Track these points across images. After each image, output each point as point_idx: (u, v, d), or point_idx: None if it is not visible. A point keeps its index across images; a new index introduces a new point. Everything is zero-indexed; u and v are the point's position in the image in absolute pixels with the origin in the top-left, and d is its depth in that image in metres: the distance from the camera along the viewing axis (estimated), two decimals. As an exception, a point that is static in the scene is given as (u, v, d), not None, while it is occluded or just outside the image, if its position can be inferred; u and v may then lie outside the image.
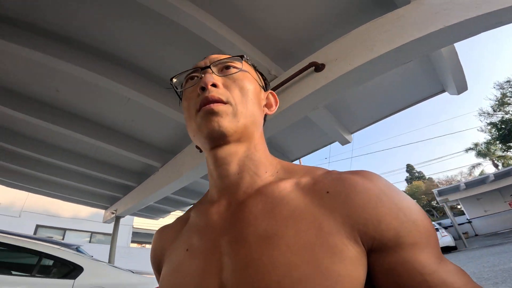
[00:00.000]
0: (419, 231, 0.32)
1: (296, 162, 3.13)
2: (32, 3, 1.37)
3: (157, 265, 0.51)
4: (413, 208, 0.34)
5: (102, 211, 4.63)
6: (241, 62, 0.48)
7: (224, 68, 0.48)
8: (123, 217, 4.16)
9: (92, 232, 11.20)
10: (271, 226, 0.35)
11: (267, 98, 0.54)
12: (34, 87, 1.96)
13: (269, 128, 1.66)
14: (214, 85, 0.44)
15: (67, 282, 2.40)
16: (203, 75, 0.45)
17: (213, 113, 0.42)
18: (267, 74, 1.62)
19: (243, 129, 0.44)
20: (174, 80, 0.50)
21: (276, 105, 0.55)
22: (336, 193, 0.36)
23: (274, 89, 1.50)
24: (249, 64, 0.53)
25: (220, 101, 0.43)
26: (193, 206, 0.52)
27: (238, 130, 0.43)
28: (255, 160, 0.45)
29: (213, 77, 0.44)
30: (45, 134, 2.60)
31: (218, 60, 0.48)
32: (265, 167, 0.46)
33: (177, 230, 0.50)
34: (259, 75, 0.54)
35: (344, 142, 2.38)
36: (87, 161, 3.07)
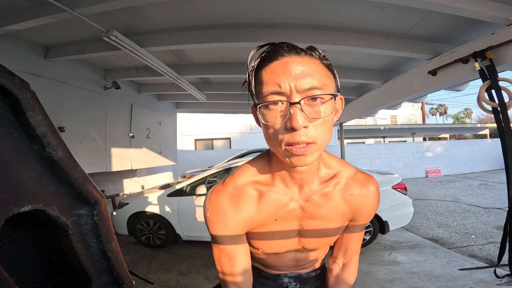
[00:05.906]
0: (368, 219, 0.67)
1: None
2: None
3: (239, 225, 0.58)
4: (375, 210, 0.66)
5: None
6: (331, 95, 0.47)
7: (311, 99, 0.44)
8: (345, 122, 5.38)
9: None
10: (323, 213, 0.61)
11: (337, 105, 0.52)
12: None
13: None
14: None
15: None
16: (291, 111, 0.43)
17: (301, 155, 0.45)
18: (505, 20, 1.54)
19: (320, 153, 0.52)
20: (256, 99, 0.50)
21: (341, 110, 0.54)
22: (355, 196, 0.62)
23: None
24: (332, 73, 0.50)
25: (307, 142, 0.44)
26: (262, 186, 0.59)
27: (317, 158, 0.50)
28: (316, 167, 0.57)
29: (303, 118, 0.43)
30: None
31: (308, 95, 0.44)
32: (317, 169, 0.59)
33: (254, 199, 0.59)
34: (336, 80, 0.52)
35: None
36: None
